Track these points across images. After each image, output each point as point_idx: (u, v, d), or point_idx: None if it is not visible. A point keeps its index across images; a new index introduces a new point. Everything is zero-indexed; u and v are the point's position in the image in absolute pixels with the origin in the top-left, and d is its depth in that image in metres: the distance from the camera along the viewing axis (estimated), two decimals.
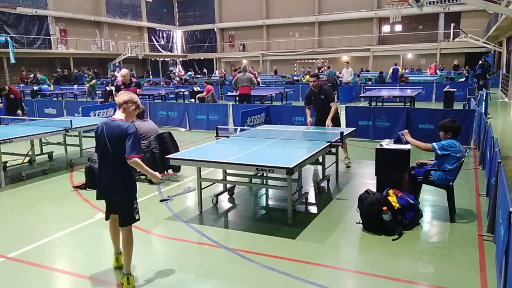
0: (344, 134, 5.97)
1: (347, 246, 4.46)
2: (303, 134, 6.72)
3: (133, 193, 3.69)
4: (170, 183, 6.78)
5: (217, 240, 4.56)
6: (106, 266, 4.04)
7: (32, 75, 29.22)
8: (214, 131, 6.57)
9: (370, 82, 22.79)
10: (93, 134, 4.56)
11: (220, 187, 6.14)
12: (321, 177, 6.62)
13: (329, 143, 5.64)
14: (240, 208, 5.68)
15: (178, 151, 6.67)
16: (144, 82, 27.88)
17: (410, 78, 23.32)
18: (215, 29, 43.92)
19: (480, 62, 22.32)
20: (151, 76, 38.15)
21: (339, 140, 5.79)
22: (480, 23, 30.39)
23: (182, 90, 20.96)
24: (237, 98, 13.80)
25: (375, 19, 36.53)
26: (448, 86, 15.62)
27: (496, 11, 15.38)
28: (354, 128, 7.09)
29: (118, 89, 9.53)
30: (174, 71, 41.79)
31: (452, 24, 29.67)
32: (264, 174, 6.11)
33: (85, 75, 22.70)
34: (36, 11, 30.85)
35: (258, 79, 21.58)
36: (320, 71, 27.84)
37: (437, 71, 27.54)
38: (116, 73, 20.70)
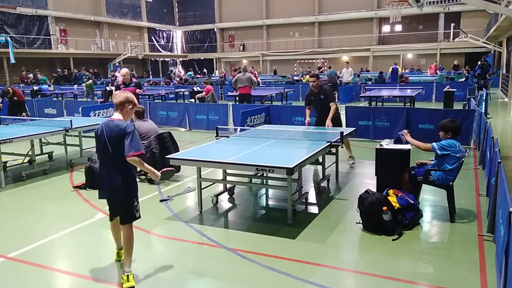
0: (344, 134, 5.97)
1: (347, 246, 4.46)
2: (303, 134, 6.72)
3: (134, 191, 3.77)
4: (170, 183, 6.78)
5: (217, 240, 4.56)
6: (106, 266, 4.04)
7: (30, 75, 29.21)
8: (214, 131, 6.57)
9: (370, 82, 22.78)
10: (93, 134, 4.58)
11: (220, 187, 6.14)
12: (321, 177, 6.62)
13: (329, 143, 5.64)
14: (240, 208, 5.68)
15: (178, 151, 6.67)
16: (144, 82, 27.88)
17: (410, 78, 23.33)
18: (215, 29, 43.92)
19: (479, 62, 22.32)
20: (151, 76, 38.16)
21: (339, 140, 5.79)
22: (480, 23, 30.39)
23: (182, 90, 20.96)
24: (237, 98, 13.80)
25: (375, 19, 36.54)
26: (448, 86, 15.62)
27: (496, 11, 15.38)
28: (354, 128, 7.09)
29: (118, 89, 9.53)
30: (174, 71, 41.79)
31: (452, 24, 29.67)
32: (264, 174, 6.11)
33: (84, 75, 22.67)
34: (36, 11, 30.86)
35: (259, 79, 21.58)
36: (320, 71, 27.85)
37: (437, 71, 27.53)
38: (116, 73, 20.65)
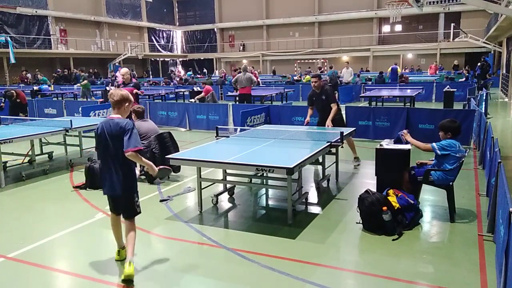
0: (344, 134, 5.97)
1: (347, 246, 4.46)
2: (303, 134, 6.71)
3: (134, 187, 3.93)
4: (170, 183, 6.78)
5: (217, 240, 4.56)
6: (106, 266, 4.04)
7: (29, 75, 29.17)
8: (214, 131, 6.57)
9: (370, 82, 22.78)
10: (93, 134, 4.61)
11: (220, 187, 6.14)
12: (321, 177, 6.62)
13: (329, 143, 5.64)
14: (240, 208, 5.68)
15: (178, 151, 6.67)
16: (144, 82, 27.89)
17: (410, 78, 23.33)
18: (215, 29, 43.93)
19: (479, 63, 22.33)
20: (151, 76, 38.16)
21: (339, 140, 5.79)
22: (480, 23, 30.40)
23: (182, 90, 20.96)
24: (237, 98, 13.80)
25: (375, 19, 36.54)
26: (448, 86, 15.63)
27: (496, 11, 15.39)
28: (354, 128, 7.09)
29: None
30: (174, 71, 41.80)
31: (452, 24, 29.67)
32: (264, 174, 6.11)
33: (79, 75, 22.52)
34: (36, 11, 30.86)
35: (259, 79, 21.56)
36: (321, 71, 27.82)
37: (437, 71, 27.52)
38: (117, 74, 20.59)
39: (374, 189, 4.96)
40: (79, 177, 7.08)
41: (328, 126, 7.20)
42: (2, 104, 12.31)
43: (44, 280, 3.88)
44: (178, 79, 29.03)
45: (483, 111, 9.82)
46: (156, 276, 3.84)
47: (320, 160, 6.38)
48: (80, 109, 12.05)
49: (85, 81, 19.71)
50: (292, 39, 39.84)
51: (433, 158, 5.15)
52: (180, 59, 46.86)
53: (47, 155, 8.69)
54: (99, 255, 4.26)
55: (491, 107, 14.60)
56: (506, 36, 21.12)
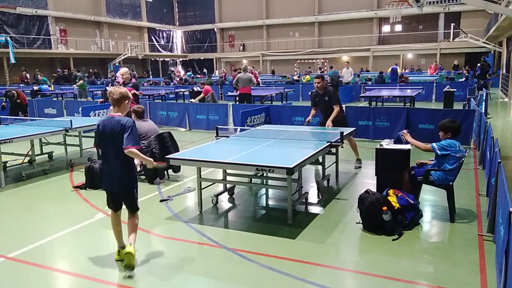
0: (344, 134, 5.97)
1: (347, 246, 4.46)
2: (303, 134, 6.71)
3: (134, 182, 4.04)
4: (170, 183, 6.78)
5: (217, 240, 4.56)
6: (106, 266, 4.04)
7: (27, 75, 29.14)
8: (214, 131, 6.57)
9: (370, 82, 22.78)
10: (93, 134, 4.63)
11: (220, 187, 6.14)
12: (321, 177, 6.62)
13: (329, 143, 5.64)
14: (240, 208, 5.68)
15: (178, 151, 6.67)
16: (144, 82, 27.88)
17: (410, 78, 23.32)
18: (215, 29, 43.93)
19: (479, 64, 22.33)
20: (151, 76, 38.15)
21: (339, 140, 5.79)
22: (480, 23, 30.40)
23: (182, 90, 20.96)
24: (237, 98, 13.81)
25: (375, 19, 36.54)
26: (448, 86, 15.62)
27: (496, 11, 15.38)
28: (354, 128, 7.09)
29: None
30: (174, 71, 41.80)
31: (452, 24, 29.68)
32: (264, 174, 6.11)
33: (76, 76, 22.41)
34: (36, 11, 30.86)
35: (259, 79, 21.56)
36: (321, 71, 27.81)
37: (436, 71, 27.50)
38: (117, 74, 20.53)
39: (374, 189, 4.96)
40: (79, 177, 7.08)
41: (328, 126, 7.20)
42: (3, 103, 12.33)
43: (44, 280, 3.88)
44: (178, 79, 29.02)
45: (483, 111, 9.81)
46: (156, 276, 3.84)
47: (320, 160, 6.38)
48: (80, 109, 12.05)
49: (81, 81, 19.64)
50: (292, 39, 39.84)
51: (433, 158, 5.15)
52: (180, 59, 46.86)
53: (47, 155, 8.69)
54: (99, 255, 4.26)
55: (491, 107, 14.60)
56: (506, 36, 21.12)
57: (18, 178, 7.18)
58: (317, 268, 3.96)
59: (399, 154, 5.12)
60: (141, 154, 3.96)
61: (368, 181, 6.40)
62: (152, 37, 42.87)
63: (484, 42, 26.31)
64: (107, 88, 17.90)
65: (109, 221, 4.13)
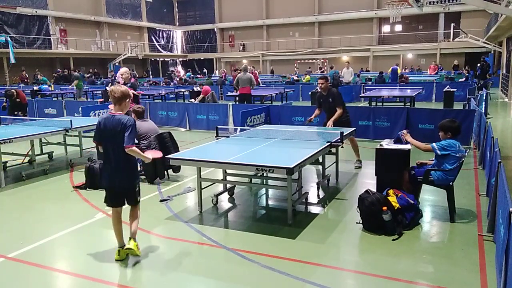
0: (344, 134, 5.97)
1: (347, 246, 4.46)
2: (303, 134, 6.71)
3: (136, 177, 4.18)
4: (170, 183, 6.78)
5: (217, 240, 4.56)
6: (106, 266, 4.04)
7: (26, 75, 29.13)
8: (214, 131, 6.57)
9: (370, 82, 22.78)
10: (92, 134, 4.63)
11: (220, 187, 6.14)
12: (321, 177, 6.62)
13: (329, 143, 5.64)
14: (240, 208, 5.68)
15: (178, 151, 6.67)
16: (144, 82, 27.88)
17: (410, 78, 23.32)
18: (215, 29, 43.93)
19: (479, 64, 22.32)
20: (151, 76, 38.15)
21: (339, 140, 5.79)
22: (480, 23, 30.39)
23: (182, 90, 20.95)
24: (237, 98, 13.81)
25: (375, 19, 36.54)
26: (448, 86, 15.62)
27: (496, 11, 15.38)
28: (354, 128, 7.09)
29: None
30: (174, 71, 41.79)
31: (452, 24, 29.67)
32: (264, 174, 6.11)
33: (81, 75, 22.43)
34: (36, 11, 30.85)
35: (259, 80, 21.55)
36: (321, 71, 27.79)
37: (436, 71, 27.50)
38: (117, 74, 20.50)
39: (374, 189, 4.96)
40: (79, 177, 7.08)
41: (328, 126, 7.20)
42: (4, 103, 12.33)
43: (44, 280, 3.88)
44: (178, 79, 29.03)
45: (483, 111, 9.81)
46: (156, 276, 3.84)
47: (320, 160, 6.38)
48: (80, 109, 12.05)
49: (76, 81, 19.66)
50: (292, 39, 39.83)
51: (433, 158, 5.15)
52: (180, 59, 46.85)
53: (47, 155, 8.69)
54: (99, 255, 4.26)
55: (491, 107, 14.60)
56: (506, 36, 21.12)
57: (18, 178, 7.18)
58: (317, 268, 3.96)
59: (399, 154, 5.13)
60: (141, 152, 4.07)
61: (368, 181, 6.40)
62: (152, 37, 42.87)
63: (484, 42, 26.31)
64: (107, 88, 17.91)
65: (109, 221, 4.15)
